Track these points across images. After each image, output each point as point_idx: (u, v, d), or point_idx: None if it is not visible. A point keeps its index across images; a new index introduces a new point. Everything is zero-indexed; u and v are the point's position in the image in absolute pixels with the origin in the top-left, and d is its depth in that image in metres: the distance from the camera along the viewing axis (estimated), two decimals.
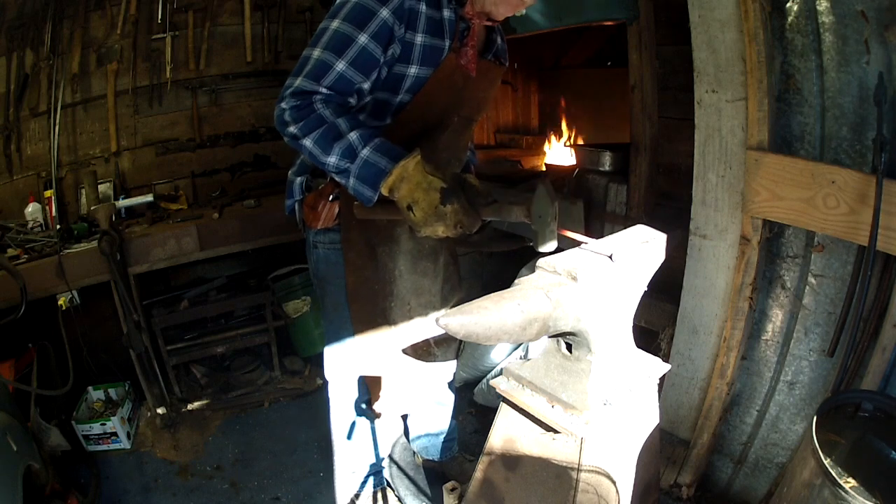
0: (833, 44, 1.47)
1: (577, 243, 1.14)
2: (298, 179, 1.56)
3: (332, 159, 1.27)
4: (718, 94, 1.68)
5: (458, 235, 1.27)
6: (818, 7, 1.47)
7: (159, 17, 2.80)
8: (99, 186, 2.74)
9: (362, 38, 1.28)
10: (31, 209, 2.55)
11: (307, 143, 1.28)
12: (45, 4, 2.55)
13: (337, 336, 1.64)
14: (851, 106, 1.48)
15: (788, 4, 1.52)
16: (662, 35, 2.01)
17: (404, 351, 1.63)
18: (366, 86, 1.34)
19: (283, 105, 1.29)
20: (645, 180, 2.14)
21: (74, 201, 2.78)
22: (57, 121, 2.66)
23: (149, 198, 2.80)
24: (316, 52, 1.29)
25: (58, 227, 2.52)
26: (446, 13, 1.38)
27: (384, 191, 1.26)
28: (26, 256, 2.29)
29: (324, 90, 1.28)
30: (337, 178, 1.33)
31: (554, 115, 3.45)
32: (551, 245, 1.23)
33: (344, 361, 1.65)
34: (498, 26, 1.55)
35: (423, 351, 1.67)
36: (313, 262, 1.63)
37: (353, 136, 1.26)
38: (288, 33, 3.09)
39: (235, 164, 3.15)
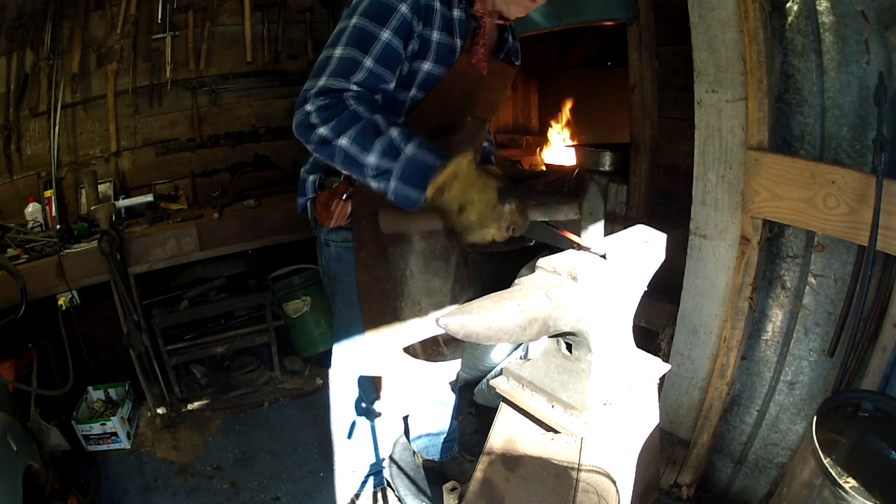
0: (833, 44, 1.47)
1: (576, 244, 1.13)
2: (311, 177, 1.55)
3: (371, 159, 1.16)
4: (718, 94, 1.68)
5: (506, 239, 1.19)
6: (818, 7, 1.47)
7: (159, 17, 2.80)
8: (99, 186, 2.74)
9: (385, 34, 1.24)
10: (31, 209, 2.55)
11: (343, 142, 1.17)
12: (45, 4, 2.55)
13: (347, 334, 1.64)
14: (851, 106, 1.48)
15: (788, 4, 1.52)
16: (662, 35, 2.00)
17: (413, 350, 1.63)
18: (391, 85, 1.30)
19: (308, 107, 1.19)
20: (645, 180, 2.14)
21: (74, 201, 2.79)
22: (57, 121, 2.66)
23: (149, 198, 2.80)
24: (338, 51, 1.23)
25: (58, 227, 2.52)
26: (456, 13, 1.37)
27: (430, 192, 1.16)
28: (26, 256, 2.29)
29: (354, 87, 1.20)
30: (374, 184, 1.21)
31: (554, 115, 3.45)
32: (600, 238, 1.21)
33: (353, 359, 1.65)
34: (510, 25, 1.54)
35: (432, 350, 1.67)
36: (325, 260, 1.62)
37: (393, 132, 1.17)
38: (288, 33, 3.09)
39: (235, 164, 3.15)
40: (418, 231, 1.36)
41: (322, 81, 1.20)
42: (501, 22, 1.47)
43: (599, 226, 1.22)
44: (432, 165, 1.15)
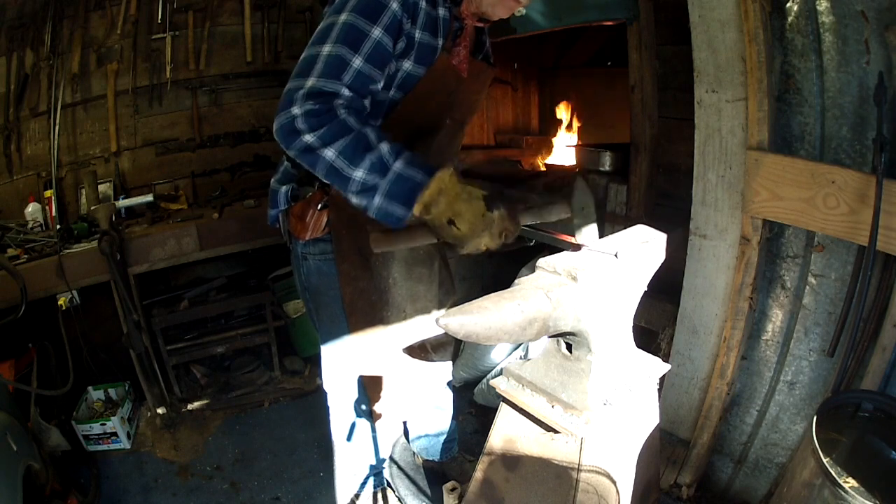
0: (833, 44, 1.47)
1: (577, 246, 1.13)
2: (283, 188, 1.48)
3: (358, 174, 1.12)
4: (718, 94, 1.68)
5: (499, 246, 1.16)
6: (818, 7, 1.47)
7: (159, 17, 2.80)
8: (99, 186, 2.74)
9: (376, 32, 1.19)
10: (31, 209, 2.55)
11: (329, 153, 1.11)
12: (45, 4, 2.55)
13: (335, 347, 1.62)
14: (851, 106, 1.48)
15: (788, 4, 1.52)
16: (662, 35, 2.00)
17: (400, 357, 1.62)
18: (379, 86, 1.25)
19: (295, 111, 1.12)
20: (645, 180, 2.14)
21: (74, 201, 2.79)
22: (57, 121, 2.66)
23: (149, 198, 2.80)
24: (326, 49, 1.16)
25: (58, 227, 2.52)
26: (441, 12, 1.34)
27: (416, 209, 1.13)
28: (26, 256, 2.29)
29: (346, 91, 1.15)
30: (355, 199, 1.17)
31: (553, 115, 3.45)
32: (594, 238, 1.21)
33: (343, 370, 1.64)
34: (485, 27, 1.51)
35: (420, 357, 1.66)
36: (304, 275, 1.57)
37: (384, 147, 1.13)
38: (288, 33, 3.09)
39: (235, 164, 3.15)
40: (408, 246, 1.34)
41: (311, 82, 1.14)
42: (480, 24, 1.44)
43: (592, 223, 1.21)
44: (420, 182, 1.12)
